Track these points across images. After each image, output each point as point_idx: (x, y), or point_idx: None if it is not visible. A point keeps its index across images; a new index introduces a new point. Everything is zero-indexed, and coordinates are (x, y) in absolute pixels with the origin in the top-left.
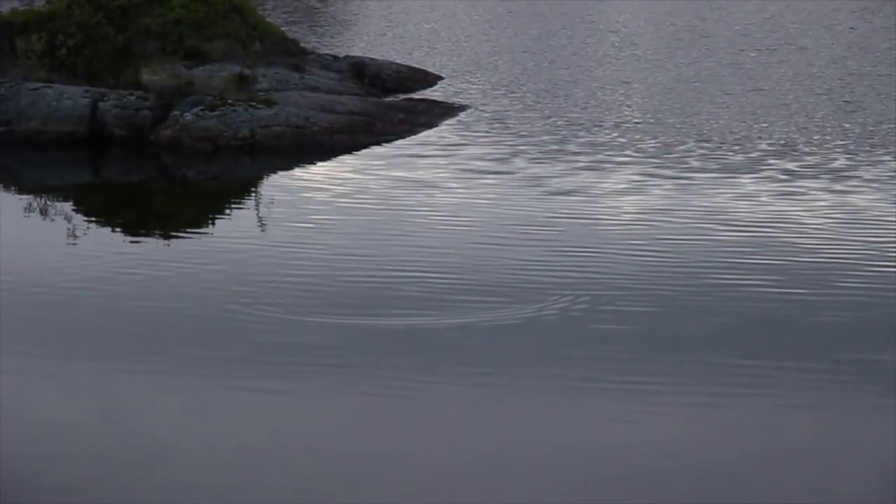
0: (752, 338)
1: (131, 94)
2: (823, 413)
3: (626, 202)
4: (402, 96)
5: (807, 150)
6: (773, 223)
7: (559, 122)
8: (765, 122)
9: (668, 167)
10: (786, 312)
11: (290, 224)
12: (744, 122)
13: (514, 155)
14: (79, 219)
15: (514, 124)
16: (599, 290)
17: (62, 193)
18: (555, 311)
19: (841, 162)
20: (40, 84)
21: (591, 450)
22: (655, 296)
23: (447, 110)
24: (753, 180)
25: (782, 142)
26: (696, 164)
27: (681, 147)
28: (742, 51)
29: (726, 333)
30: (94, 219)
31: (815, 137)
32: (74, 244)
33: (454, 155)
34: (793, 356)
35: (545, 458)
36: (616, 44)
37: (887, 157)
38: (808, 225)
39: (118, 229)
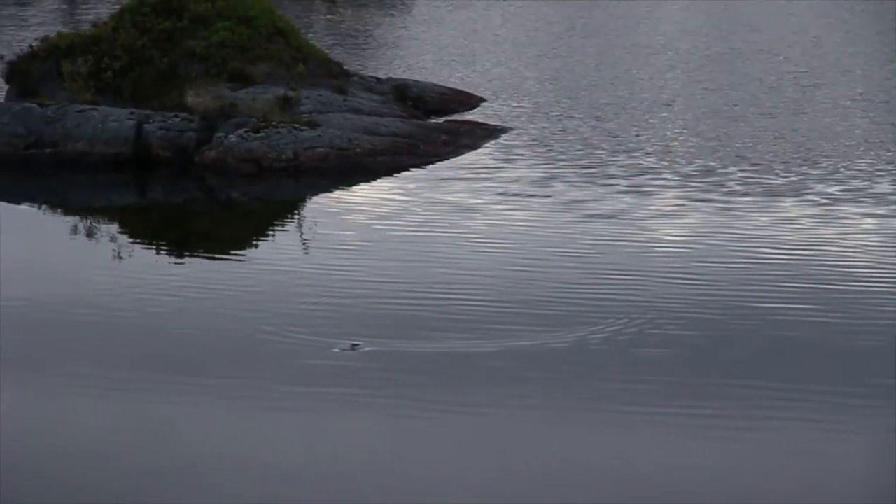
0: (793, 363)
1: (176, 116)
2: (866, 438)
3: (666, 226)
4: (445, 118)
5: (849, 173)
6: (814, 247)
7: (600, 144)
8: (807, 146)
9: (708, 191)
10: (827, 338)
11: (331, 247)
12: (786, 145)
13: (555, 178)
14: (123, 240)
15: (556, 146)
16: (641, 315)
17: (107, 214)
18: (596, 336)
19: (884, 186)
20: (86, 106)
21: (633, 475)
22: (696, 321)
23: (490, 132)
24: (795, 204)
25: (824, 165)
26: (737, 187)
27: (722, 170)
28: (784, 73)
29: (767, 359)
30: (138, 240)
31: (857, 161)
32: (119, 266)
33: (496, 178)
34: (834, 381)
35: (586, 484)
36: (658, 65)
37: None
38: (849, 249)
39: (162, 251)
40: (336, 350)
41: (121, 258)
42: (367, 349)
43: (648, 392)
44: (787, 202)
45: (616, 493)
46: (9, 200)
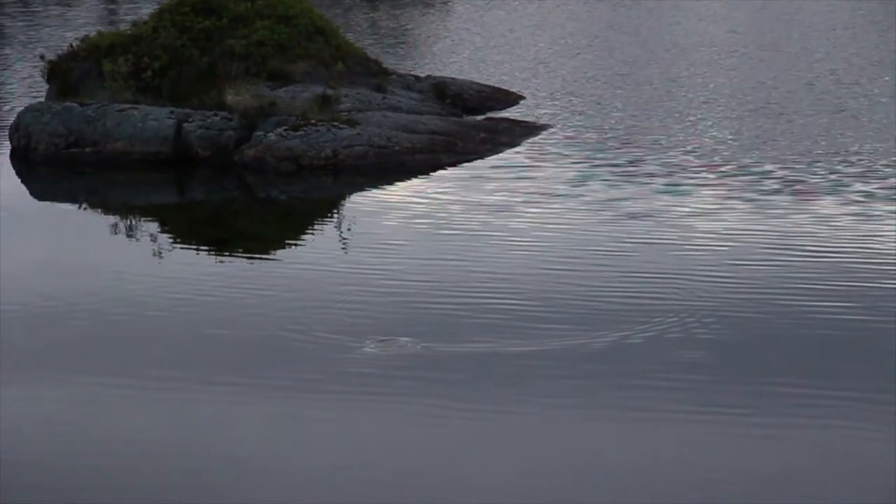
0: (831, 363)
1: (215, 115)
2: None
3: (701, 226)
4: (484, 116)
5: (887, 171)
6: (851, 247)
7: (637, 142)
8: (844, 144)
9: (745, 190)
10: (865, 339)
11: (369, 246)
12: (823, 143)
13: (593, 176)
14: (163, 238)
15: (593, 144)
16: (677, 316)
17: (147, 213)
18: (633, 337)
19: None
20: (126, 105)
21: (670, 476)
22: (733, 321)
23: (529, 130)
24: (832, 203)
25: (862, 163)
26: (774, 185)
27: (759, 169)
28: (822, 71)
29: (805, 359)
30: (177, 239)
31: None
32: (157, 265)
33: (534, 176)
34: (874, 383)
35: (623, 485)
36: (695, 63)
37: None
38: (887, 249)
39: (201, 250)
40: (370, 348)
41: (160, 257)
42: (402, 348)
43: (686, 393)
44: (825, 200)
45: (653, 495)
46: (49, 199)
